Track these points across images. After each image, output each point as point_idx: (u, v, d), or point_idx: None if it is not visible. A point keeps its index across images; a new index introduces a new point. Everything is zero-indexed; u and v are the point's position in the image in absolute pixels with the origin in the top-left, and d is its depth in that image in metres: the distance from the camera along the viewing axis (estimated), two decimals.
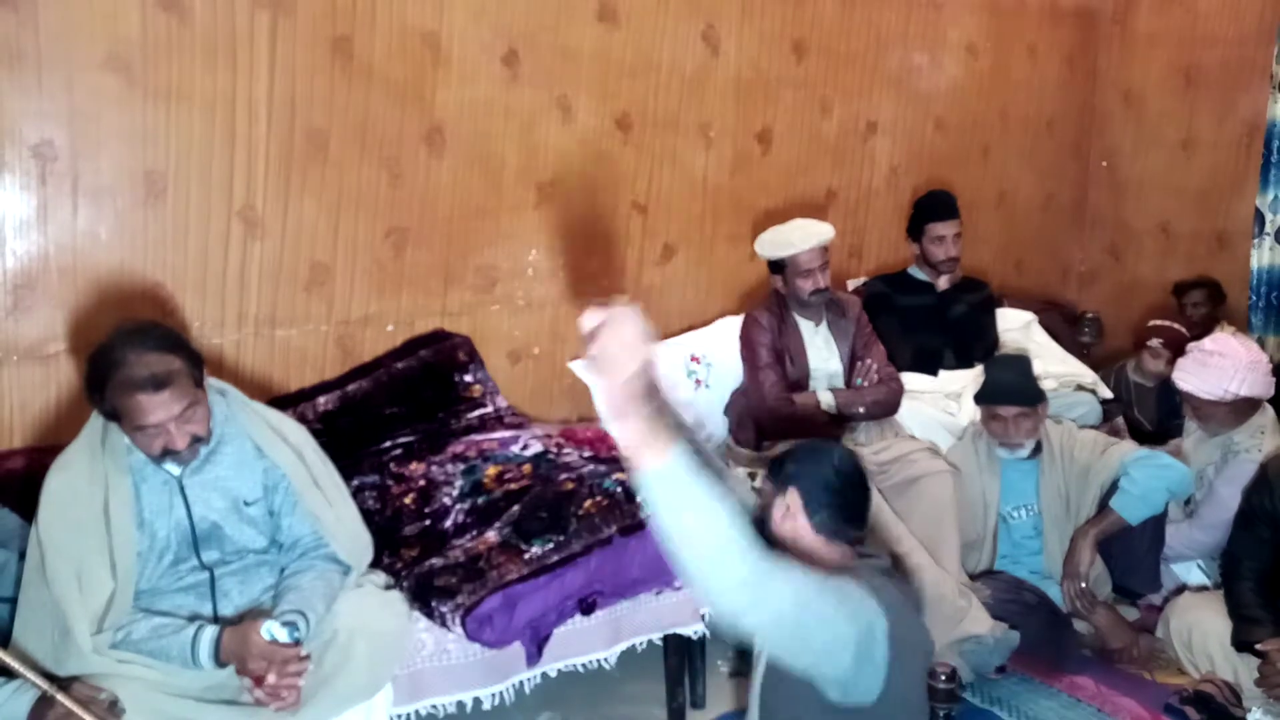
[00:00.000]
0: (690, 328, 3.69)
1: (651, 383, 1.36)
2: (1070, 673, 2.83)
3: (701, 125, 3.76)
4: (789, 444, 1.92)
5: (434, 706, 2.26)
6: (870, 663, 1.61)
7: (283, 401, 2.85)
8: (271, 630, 1.95)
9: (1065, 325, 4.31)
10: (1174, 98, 4.88)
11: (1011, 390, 2.97)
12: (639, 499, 1.41)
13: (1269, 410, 3.02)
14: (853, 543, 1.87)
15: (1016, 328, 3.96)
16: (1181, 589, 3.01)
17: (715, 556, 1.42)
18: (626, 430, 1.35)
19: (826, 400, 3.17)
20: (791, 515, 1.85)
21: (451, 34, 3.14)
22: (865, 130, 4.30)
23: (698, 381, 3.50)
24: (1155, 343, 3.82)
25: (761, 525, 1.86)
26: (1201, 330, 3.92)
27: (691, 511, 1.40)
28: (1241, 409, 2.95)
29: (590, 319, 1.34)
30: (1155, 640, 2.87)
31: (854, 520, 1.88)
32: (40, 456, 2.29)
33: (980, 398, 3.04)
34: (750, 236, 3.57)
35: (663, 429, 1.37)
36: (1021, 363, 3.06)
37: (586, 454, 2.83)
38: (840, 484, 1.86)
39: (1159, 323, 3.92)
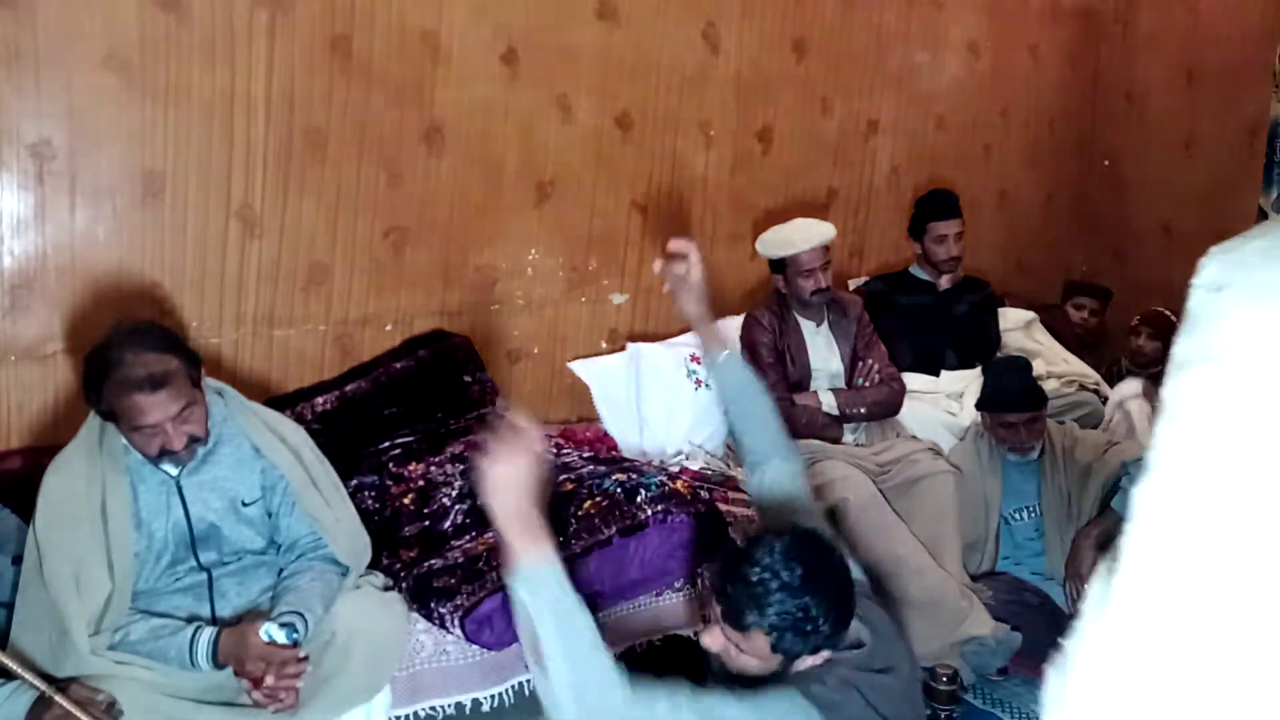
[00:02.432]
0: (690, 328, 3.67)
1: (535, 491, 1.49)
2: None
3: (701, 125, 3.74)
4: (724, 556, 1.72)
5: (433, 708, 2.25)
6: None
7: (281, 402, 2.84)
8: (269, 631, 1.95)
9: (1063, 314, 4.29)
10: (1176, 97, 4.87)
11: (1019, 396, 2.95)
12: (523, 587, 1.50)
13: None
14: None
15: (1018, 327, 3.95)
16: None
17: (573, 679, 1.42)
18: (512, 524, 1.47)
19: (828, 401, 3.16)
20: (750, 654, 1.56)
21: (451, 33, 3.12)
22: (866, 129, 4.29)
23: (698, 382, 3.47)
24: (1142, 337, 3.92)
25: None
26: None
27: (560, 618, 1.43)
28: None
29: (482, 461, 1.47)
30: None
31: (840, 629, 1.56)
32: (38, 457, 2.28)
33: (985, 406, 3.02)
34: (750, 236, 3.56)
35: (545, 528, 1.47)
36: (1022, 366, 3.05)
37: (586, 454, 2.82)
38: (821, 608, 1.51)
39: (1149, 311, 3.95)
